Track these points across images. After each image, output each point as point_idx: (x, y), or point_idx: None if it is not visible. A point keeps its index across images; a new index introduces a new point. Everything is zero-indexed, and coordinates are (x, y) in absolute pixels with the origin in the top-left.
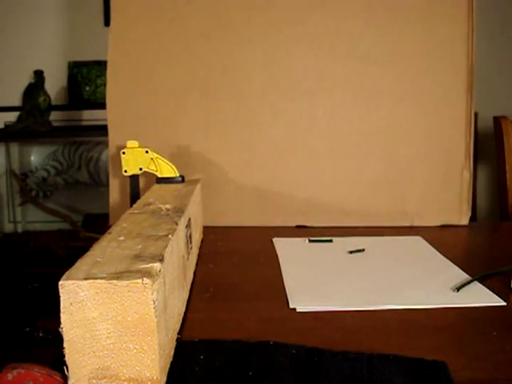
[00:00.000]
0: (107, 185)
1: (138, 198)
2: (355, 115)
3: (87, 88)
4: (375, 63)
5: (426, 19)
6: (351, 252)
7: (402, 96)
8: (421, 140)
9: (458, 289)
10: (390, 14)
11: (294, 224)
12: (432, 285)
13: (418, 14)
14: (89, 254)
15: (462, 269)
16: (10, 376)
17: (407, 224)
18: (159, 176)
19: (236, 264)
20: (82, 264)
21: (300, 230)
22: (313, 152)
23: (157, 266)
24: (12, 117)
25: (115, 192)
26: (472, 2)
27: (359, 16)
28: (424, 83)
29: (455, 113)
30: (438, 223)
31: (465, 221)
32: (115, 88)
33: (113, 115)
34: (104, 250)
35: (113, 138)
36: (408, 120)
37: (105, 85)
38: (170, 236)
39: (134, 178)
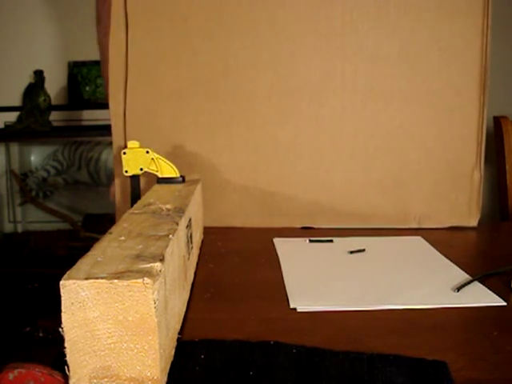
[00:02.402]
0: (107, 185)
1: (139, 198)
2: (363, 116)
3: (87, 88)
4: (385, 62)
5: (438, 17)
6: (351, 252)
7: (412, 96)
8: (431, 140)
9: (459, 289)
10: (400, 11)
11: (299, 225)
12: (432, 285)
13: (430, 11)
14: (89, 253)
15: (462, 269)
16: (11, 376)
17: (415, 226)
18: (160, 176)
19: (236, 264)
20: (83, 264)
21: (300, 231)
22: (319, 153)
23: (157, 265)
24: (12, 117)
25: (120, 192)
26: (487, 0)
27: (368, 14)
28: (435, 83)
29: (467, 113)
30: (447, 225)
31: (474, 222)
32: (117, 88)
33: (116, 116)
34: (105, 249)
35: (116, 138)
36: (418, 120)
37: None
38: (170, 236)
39: (135, 179)
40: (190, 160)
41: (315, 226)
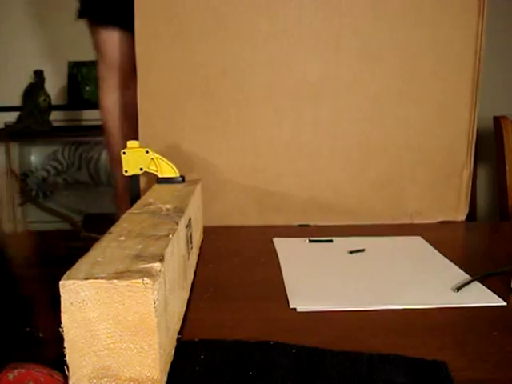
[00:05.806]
0: (107, 185)
1: (139, 198)
2: (359, 116)
3: (87, 88)
4: (381, 64)
5: (433, 19)
6: (351, 252)
7: (407, 96)
8: (424, 139)
9: (458, 289)
10: (396, 13)
11: (296, 223)
12: (432, 285)
13: (426, 14)
14: (89, 253)
15: (462, 269)
16: (10, 376)
17: (407, 221)
18: (160, 176)
19: (236, 264)
20: (83, 264)
21: (300, 230)
22: (316, 152)
23: (157, 265)
24: (12, 117)
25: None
26: (483, 3)
27: (366, 16)
28: (430, 83)
29: (459, 112)
30: (437, 220)
31: (462, 217)
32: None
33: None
34: (104, 249)
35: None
36: (412, 119)
37: None
38: (170, 236)
39: (135, 178)
40: (186, 161)
41: (311, 224)
